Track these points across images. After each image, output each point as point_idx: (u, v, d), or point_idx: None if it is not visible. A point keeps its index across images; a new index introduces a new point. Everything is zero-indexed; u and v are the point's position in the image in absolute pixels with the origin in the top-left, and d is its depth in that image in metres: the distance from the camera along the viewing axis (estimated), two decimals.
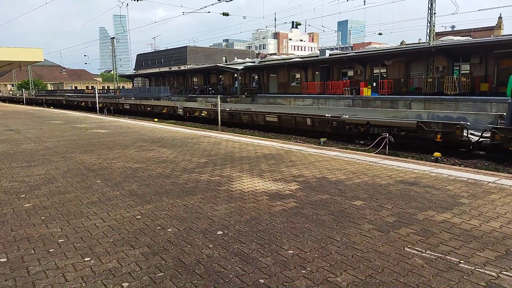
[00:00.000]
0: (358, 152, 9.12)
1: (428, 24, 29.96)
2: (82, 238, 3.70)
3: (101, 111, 28.89)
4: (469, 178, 5.82)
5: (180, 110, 23.37)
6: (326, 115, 15.73)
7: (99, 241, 3.63)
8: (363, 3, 37.63)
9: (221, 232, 3.79)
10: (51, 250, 3.44)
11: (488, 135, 11.06)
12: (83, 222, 4.14)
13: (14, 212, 4.54)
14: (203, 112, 21.54)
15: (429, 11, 29.71)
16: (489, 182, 5.60)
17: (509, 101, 11.04)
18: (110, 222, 4.14)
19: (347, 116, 15.00)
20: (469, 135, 11.25)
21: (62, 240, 3.66)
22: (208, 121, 20.69)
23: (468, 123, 11.99)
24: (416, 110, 20.74)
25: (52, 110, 30.81)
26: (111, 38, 68.10)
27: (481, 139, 11.26)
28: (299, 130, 16.78)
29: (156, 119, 22.84)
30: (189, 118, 22.09)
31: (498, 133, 10.51)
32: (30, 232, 3.87)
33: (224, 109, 20.82)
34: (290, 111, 18.37)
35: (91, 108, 34.00)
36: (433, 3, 29.51)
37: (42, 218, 4.30)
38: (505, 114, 11.59)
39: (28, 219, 4.27)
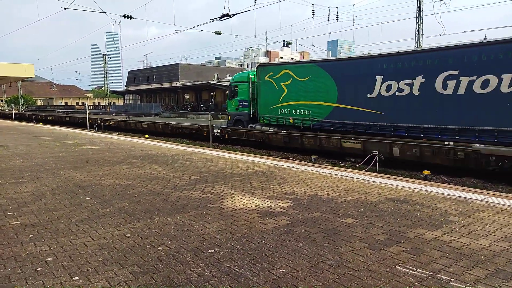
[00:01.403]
0: (349, 169, 9.19)
1: (416, 44, 30.65)
2: (71, 256, 3.64)
3: (91, 127, 28.86)
4: (458, 196, 5.89)
5: (98, 121, 34.28)
6: (167, 122, 25.78)
7: (88, 260, 3.57)
8: (353, 24, 38.46)
9: (212, 251, 3.76)
10: (39, 269, 3.37)
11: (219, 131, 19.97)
12: (71, 240, 4.07)
13: (1, 230, 4.45)
14: (111, 122, 33.15)
15: (417, 32, 30.47)
16: (478, 200, 5.67)
17: (227, 112, 21.29)
18: (99, 240, 4.08)
19: (174, 123, 24.95)
20: (215, 131, 19.95)
21: (50, 258, 3.59)
22: (113, 128, 31.19)
23: (215, 125, 20.68)
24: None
25: (42, 125, 30.51)
26: (103, 54, 68.34)
27: (219, 133, 19.94)
28: (158, 132, 25.35)
29: (147, 136, 22.81)
30: (105, 126, 32.13)
31: (223, 130, 19.70)
32: (18, 251, 3.80)
33: (116, 119, 33.41)
34: (153, 121, 29.27)
35: (81, 124, 34.06)
36: (421, 24, 30.29)
37: (30, 236, 4.22)
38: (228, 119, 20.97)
39: (15, 237, 4.18)
